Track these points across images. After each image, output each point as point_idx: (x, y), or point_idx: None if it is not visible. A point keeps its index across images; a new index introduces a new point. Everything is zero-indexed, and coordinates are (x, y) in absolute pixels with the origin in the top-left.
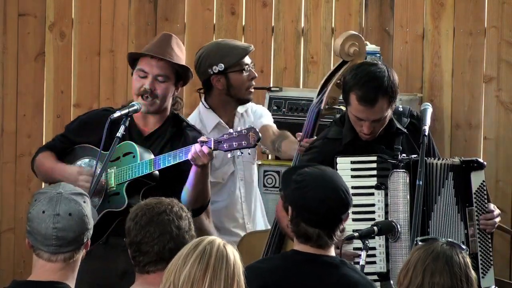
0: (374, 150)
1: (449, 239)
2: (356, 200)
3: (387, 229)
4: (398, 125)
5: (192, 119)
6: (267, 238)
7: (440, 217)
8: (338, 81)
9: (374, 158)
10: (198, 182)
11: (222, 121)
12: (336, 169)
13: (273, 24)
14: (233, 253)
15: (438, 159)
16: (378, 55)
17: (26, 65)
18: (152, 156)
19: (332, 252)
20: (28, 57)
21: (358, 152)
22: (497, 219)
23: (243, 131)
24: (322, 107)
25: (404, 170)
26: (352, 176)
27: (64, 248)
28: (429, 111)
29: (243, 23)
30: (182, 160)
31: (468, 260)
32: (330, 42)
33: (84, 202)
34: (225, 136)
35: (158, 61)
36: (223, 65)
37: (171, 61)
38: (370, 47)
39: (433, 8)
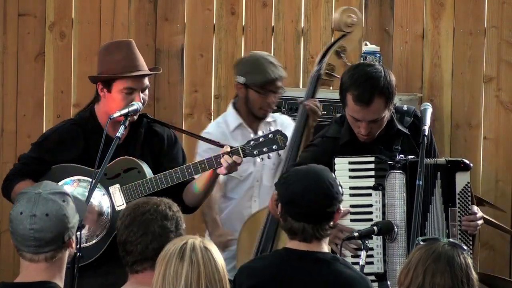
0: (373, 150)
1: (450, 240)
2: (353, 200)
3: (386, 229)
4: (399, 126)
5: (217, 123)
6: (260, 232)
7: (435, 218)
8: (337, 49)
9: (372, 159)
10: (211, 185)
11: (244, 123)
12: (334, 170)
13: (273, 24)
14: (214, 248)
15: (433, 160)
16: (378, 55)
17: (26, 65)
18: (148, 168)
19: (324, 248)
20: (28, 57)
21: (356, 152)
22: (480, 222)
23: (269, 135)
24: (321, 73)
25: (401, 171)
26: (350, 177)
27: (44, 248)
28: (429, 111)
29: (243, 23)
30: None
31: (470, 261)
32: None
33: (64, 201)
34: (251, 143)
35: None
36: (244, 80)
37: (150, 74)
38: (370, 47)
39: (433, 8)
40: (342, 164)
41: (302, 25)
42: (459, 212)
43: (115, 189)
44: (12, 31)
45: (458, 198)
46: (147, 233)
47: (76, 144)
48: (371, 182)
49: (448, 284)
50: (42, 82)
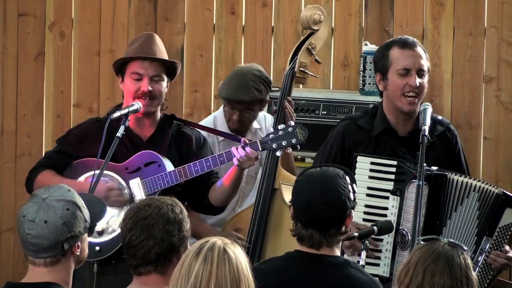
0: (396, 151)
1: (450, 240)
2: (369, 201)
3: (387, 229)
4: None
5: (207, 122)
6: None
7: (452, 233)
8: (308, 47)
9: (395, 163)
10: (235, 180)
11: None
12: (355, 167)
13: (273, 24)
14: (235, 253)
15: (465, 177)
16: None
17: (26, 65)
18: (169, 163)
19: (335, 252)
20: (28, 57)
21: (380, 148)
22: (507, 261)
23: (289, 128)
24: (296, 70)
25: (424, 182)
26: (370, 177)
27: (42, 254)
28: (429, 111)
29: (243, 23)
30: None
31: (469, 261)
32: (330, 42)
33: (68, 209)
34: (271, 136)
35: (151, 62)
36: (219, 88)
37: (162, 60)
38: (370, 47)
39: (433, 8)
40: (363, 163)
41: None
42: (492, 244)
43: (134, 183)
44: (12, 31)
45: (498, 231)
46: (149, 238)
47: (99, 140)
48: (390, 185)
49: (448, 284)
50: (42, 82)
